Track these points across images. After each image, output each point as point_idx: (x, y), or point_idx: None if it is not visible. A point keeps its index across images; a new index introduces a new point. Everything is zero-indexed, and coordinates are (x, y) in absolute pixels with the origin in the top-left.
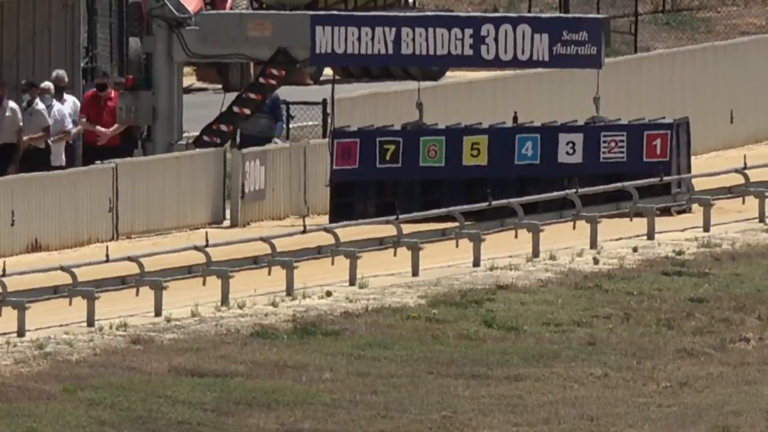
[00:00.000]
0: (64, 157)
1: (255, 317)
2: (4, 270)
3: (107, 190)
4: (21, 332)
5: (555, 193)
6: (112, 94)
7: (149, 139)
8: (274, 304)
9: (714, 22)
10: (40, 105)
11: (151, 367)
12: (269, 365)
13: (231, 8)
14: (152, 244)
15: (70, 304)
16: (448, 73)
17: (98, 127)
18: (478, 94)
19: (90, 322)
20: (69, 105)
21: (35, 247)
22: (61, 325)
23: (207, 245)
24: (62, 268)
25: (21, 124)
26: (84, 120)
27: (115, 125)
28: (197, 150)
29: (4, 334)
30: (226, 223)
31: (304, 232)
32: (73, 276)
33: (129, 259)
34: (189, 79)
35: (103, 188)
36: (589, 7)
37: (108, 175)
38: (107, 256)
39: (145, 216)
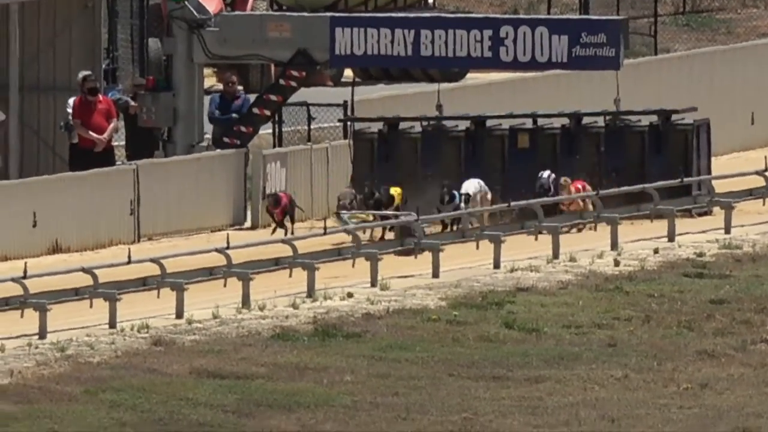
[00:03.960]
0: None
1: (276, 319)
2: (25, 272)
3: (128, 192)
4: (42, 334)
5: (575, 195)
6: (101, 97)
7: (170, 141)
8: (294, 306)
9: (734, 23)
10: None
11: (172, 368)
12: (290, 367)
13: (251, 10)
14: (173, 245)
15: (91, 305)
16: (468, 75)
17: (92, 133)
18: (498, 96)
19: (111, 323)
20: None
21: (56, 249)
22: (82, 327)
23: (228, 247)
24: (83, 270)
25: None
26: (79, 123)
27: (110, 127)
28: (218, 151)
29: (26, 335)
30: (247, 224)
31: (325, 233)
32: (95, 278)
33: (150, 260)
34: (209, 81)
35: (124, 190)
36: (608, 8)
37: (129, 177)
38: (128, 257)
39: (166, 217)
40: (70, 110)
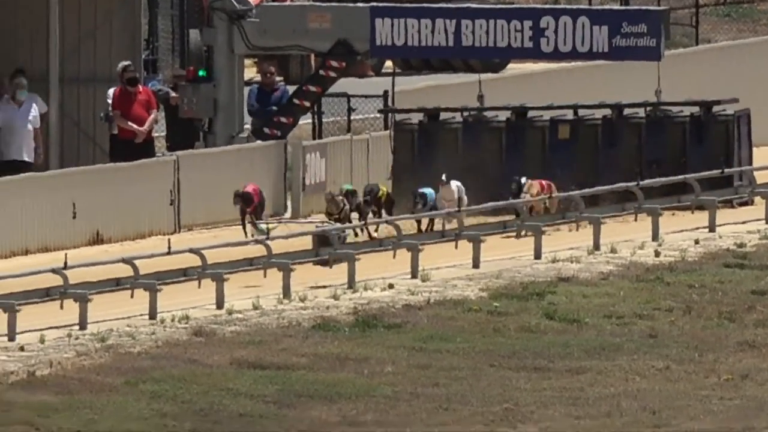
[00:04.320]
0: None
1: (316, 310)
2: (66, 262)
3: (169, 183)
4: (83, 325)
5: (617, 185)
6: (141, 88)
7: (210, 132)
8: (335, 297)
9: None
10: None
11: (213, 359)
12: (331, 358)
13: (291, 0)
14: (213, 236)
15: (132, 296)
16: (508, 65)
17: (132, 124)
18: (538, 86)
19: (152, 314)
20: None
21: (97, 240)
22: (122, 318)
23: (268, 237)
24: (124, 261)
25: None
26: (118, 114)
27: (150, 118)
28: (258, 142)
29: (66, 326)
30: (287, 215)
31: (365, 224)
32: (135, 268)
33: (191, 251)
34: (250, 72)
35: (165, 181)
36: None
37: (169, 168)
38: (169, 248)
39: (206, 208)
40: (110, 101)
